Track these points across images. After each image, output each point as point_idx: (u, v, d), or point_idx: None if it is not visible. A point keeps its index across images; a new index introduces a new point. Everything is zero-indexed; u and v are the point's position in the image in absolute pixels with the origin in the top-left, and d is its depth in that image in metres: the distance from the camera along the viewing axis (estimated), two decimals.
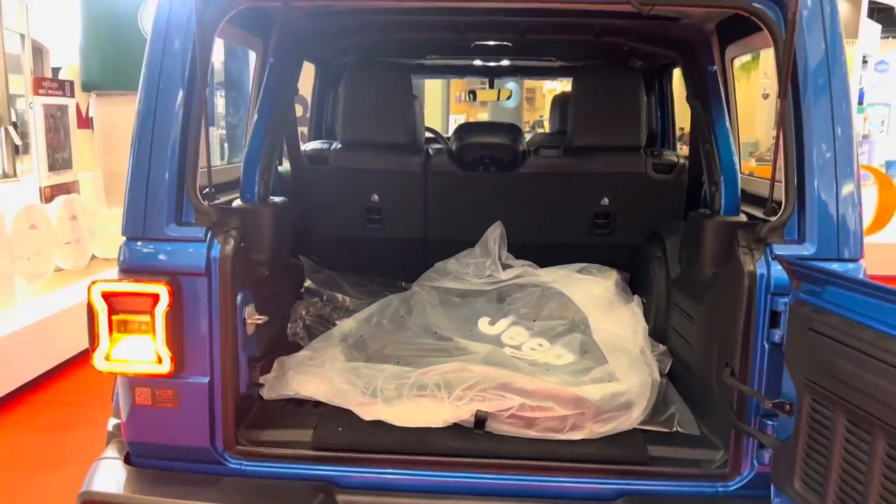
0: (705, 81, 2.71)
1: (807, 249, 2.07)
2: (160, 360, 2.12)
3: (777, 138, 2.08)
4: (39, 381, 5.14)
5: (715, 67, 2.75)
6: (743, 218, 2.44)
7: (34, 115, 8.36)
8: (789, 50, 1.97)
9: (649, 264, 2.98)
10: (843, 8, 20.08)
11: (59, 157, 8.96)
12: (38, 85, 8.60)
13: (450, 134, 3.63)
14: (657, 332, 2.86)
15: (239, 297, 2.23)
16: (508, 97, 5.93)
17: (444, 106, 19.18)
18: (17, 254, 5.50)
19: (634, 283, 3.16)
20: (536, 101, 21.33)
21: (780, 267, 2.01)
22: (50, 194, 8.02)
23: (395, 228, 3.32)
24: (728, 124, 2.61)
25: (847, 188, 2.07)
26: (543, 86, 19.27)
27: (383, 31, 2.94)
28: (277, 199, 2.76)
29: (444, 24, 2.91)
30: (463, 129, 3.37)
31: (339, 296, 3.21)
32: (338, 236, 3.37)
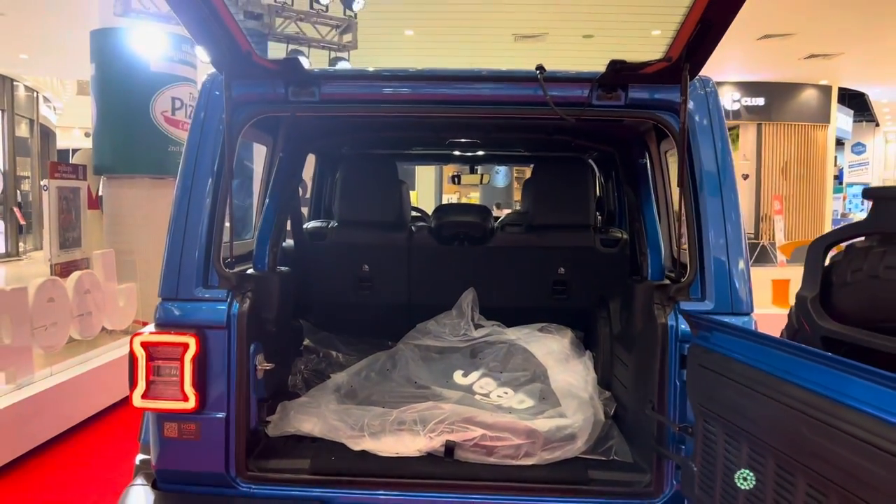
0: (636, 172, 3.31)
1: (707, 306, 2.59)
2: (187, 399, 2.60)
3: (680, 219, 2.64)
4: (52, 442, 5.52)
5: (644, 160, 3.35)
6: (665, 282, 2.98)
7: (49, 198, 8.91)
8: (682, 150, 2.56)
9: (597, 323, 3.50)
10: (814, 95, 21.21)
11: (69, 236, 9.46)
12: (55, 169, 9.22)
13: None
14: (604, 381, 3.36)
15: (252, 348, 2.72)
16: (487, 181, 6.60)
17: (437, 187, 20.21)
18: (37, 324, 5.97)
19: (587, 340, 3.67)
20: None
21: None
22: (59, 271, 8.53)
23: (383, 294, 3.86)
24: (654, 207, 3.19)
25: (739, 260, 2.61)
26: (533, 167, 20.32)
27: (373, 130, 3.57)
28: (283, 269, 3.30)
29: (423, 125, 3.54)
30: (441, 210, 3.97)
31: (334, 353, 3.71)
32: (333, 301, 3.90)
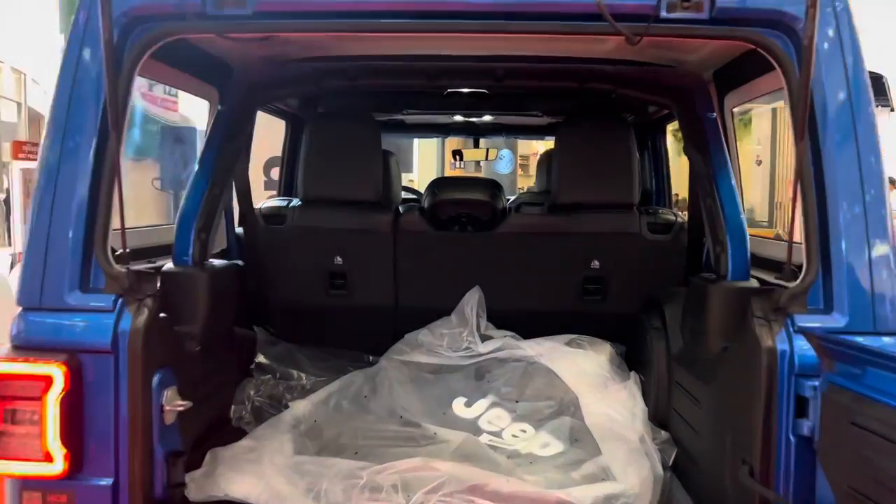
0: (704, 130, 2.41)
1: (836, 321, 1.72)
2: (51, 458, 1.73)
3: (794, 191, 1.75)
4: None
5: (714, 115, 2.46)
6: (754, 283, 2.10)
7: (11, 180, 8.16)
8: (806, 86, 1.67)
9: (647, 336, 2.61)
10: None
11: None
12: (18, 149, 8.40)
13: None
14: (658, 416, 2.47)
15: (155, 379, 1.85)
16: (495, 157, 5.67)
17: (439, 169, 19.13)
18: None
19: (631, 358, 2.78)
20: (531, 168, 21.31)
21: (805, 343, 1.65)
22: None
23: (361, 295, 2.96)
24: (732, 177, 2.30)
25: (880, 248, 1.73)
26: (538, 152, 19.34)
27: (346, 78, 2.66)
28: (219, 262, 2.41)
29: (413, 70, 2.64)
30: (436, 185, 3.06)
31: (295, 372, 2.82)
32: (297, 304, 3.01)
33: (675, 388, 2.37)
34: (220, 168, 2.40)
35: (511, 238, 2.89)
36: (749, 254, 2.15)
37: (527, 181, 19.83)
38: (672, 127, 4.06)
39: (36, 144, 8.95)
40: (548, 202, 2.91)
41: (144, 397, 1.81)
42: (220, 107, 2.55)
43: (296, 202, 2.95)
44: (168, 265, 2.25)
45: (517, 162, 18.16)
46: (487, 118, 4.07)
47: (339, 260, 2.91)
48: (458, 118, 4.12)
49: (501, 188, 3.03)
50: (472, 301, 2.86)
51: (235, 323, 2.90)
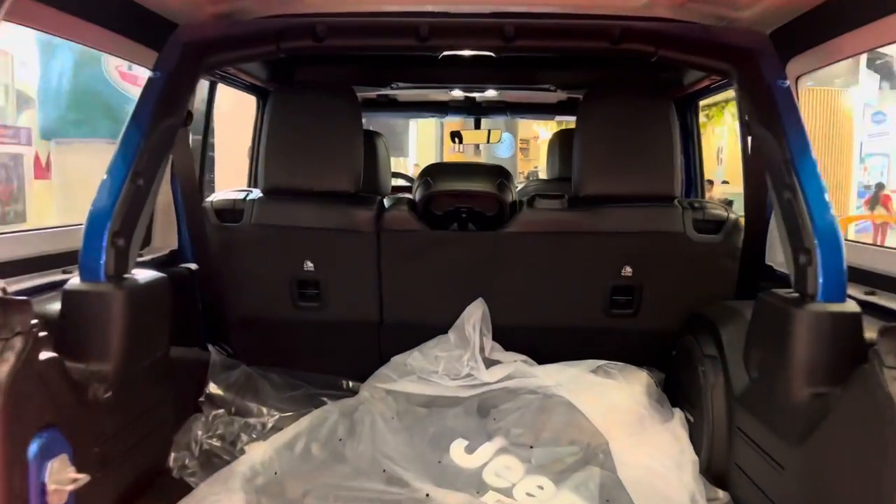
0: (776, 102, 1.85)
1: None
2: None
3: None
4: None
5: (787, 82, 1.90)
6: (852, 306, 1.56)
7: None
8: None
9: (695, 364, 2.06)
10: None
11: (10, 210, 8.33)
12: None
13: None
14: (713, 470, 1.93)
15: (32, 449, 1.31)
16: (499, 139, 5.08)
17: (438, 155, 18.43)
18: None
19: (672, 390, 2.24)
20: (531, 152, 20.62)
21: None
22: None
23: (336, 308, 2.41)
24: (816, 164, 1.75)
25: None
26: (539, 136, 18.63)
27: (314, 36, 2.08)
28: (145, 274, 1.86)
29: (398, 28, 2.07)
30: (430, 172, 2.48)
31: (255, 406, 2.28)
32: (258, 318, 2.46)
33: (739, 438, 1.83)
34: (147, 151, 1.84)
35: (523, 239, 2.33)
36: (845, 266, 1.61)
37: (526, 165, 19.21)
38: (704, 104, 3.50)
39: (10, 128, 8.40)
40: (568, 194, 2.35)
41: (12, 476, 1.27)
42: (152, 73, 1.98)
43: (255, 194, 2.38)
44: (73, 281, 1.70)
45: (518, 146, 17.56)
46: (491, 93, 3.50)
47: (309, 265, 2.35)
48: (457, 93, 3.55)
49: (510, 176, 2.46)
50: (475, 316, 2.31)
51: (186, 341, 2.36)
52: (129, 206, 1.77)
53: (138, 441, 1.83)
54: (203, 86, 2.78)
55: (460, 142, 4.97)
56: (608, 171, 2.26)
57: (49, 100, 8.72)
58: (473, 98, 3.84)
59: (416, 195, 2.42)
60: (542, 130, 18.27)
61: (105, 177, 1.80)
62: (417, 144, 16.49)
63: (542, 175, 6.84)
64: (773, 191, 1.81)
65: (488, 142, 4.99)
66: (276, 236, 2.35)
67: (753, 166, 2.18)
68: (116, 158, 1.81)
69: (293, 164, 2.31)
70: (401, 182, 4.62)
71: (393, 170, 3.91)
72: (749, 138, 2.43)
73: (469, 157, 17.04)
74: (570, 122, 5.26)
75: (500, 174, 2.45)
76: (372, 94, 3.73)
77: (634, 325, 2.36)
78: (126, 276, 1.76)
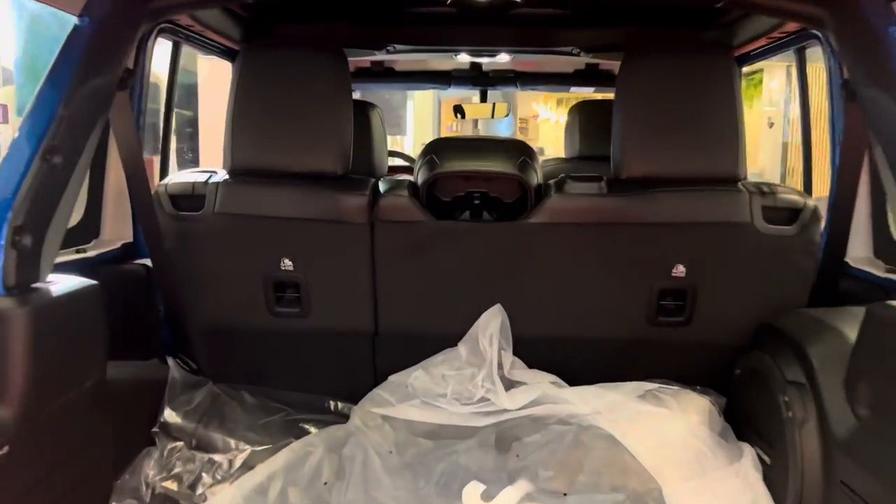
0: (888, 54, 1.41)
1: None
2: None
3: None
4: None
5: (893, 28, 1.46)
6: None
7: None
8: None
9: (773, 390, 1.63)
10: None
11: None
12: None
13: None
14: None
15: None
16: (505, 114, 4.62)
17: (435, 134, 17.87)
18: None
19: (736, 417, 1.81)
20: (530, 131, 20.00)
21: None
22: None
23: (322, 314, 1.97)
24: None
25: None
26: (538, 114, 18.05)
27: None
28: (65, 282, 1.42)
29: None
30: (436, 149, 2.02)
31: (220, 437, 1.85)
32: (227, 327, 2.02)
33: (842, 495, 1.41)
34: (67, 119, 1.39)
35: (551, 231, 1.88)
36: None
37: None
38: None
39: None
40: (607, 176, 1.90)
41: None
42: (78, 20, 1.52)
43: (220, 176, 1.93)
44: None
45: (517, 125, 17.05)
46: (503, 58, 3.04)
47: (287, 263, 1.91)
48: (463, 59, 3.09)
49: (534, 153, 2.01)
50: (492, 326, 1.88)
51: (140, 354, 1.94)
52: (40, 192, 1.33)
53: (61, 496, 1.41)
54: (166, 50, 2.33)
55: (462, 117, 4.50)
56: (657, 148, 1.82)
57: (28, 76, 8.23)
58: (480, 66, 3.39)
59: (419, 177, 1.97)
60: (542, 109, 17.74)
61: (7, 152, 1.36)
62: (416, 126, 15.87)
63: (548, 156, 6.34)
64: (888, 169, 1.38)
65: (492, 117, 4.52)
66: (246, 228, 1.91)
67: (845, 139, 1.74)
68: (24, 129, 1.37)
69: (267, 138, 1.86)
70: (399, 162, 4.17)
71: (390, 148, 3.47)
72: (834, 107, 1.99)
73: (468, 133, 16.50)
74: (580, 95, 4.78)
75: (522, 150, 1.99)
76: (365, 60, 3.27)
77: (686, 335, 1.93)
78: (36, 286, 1.33)
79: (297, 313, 1.97)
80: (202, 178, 1.93)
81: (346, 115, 1.90)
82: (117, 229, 2.16)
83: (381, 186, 1.95)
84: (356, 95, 3.54)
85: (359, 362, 2.02)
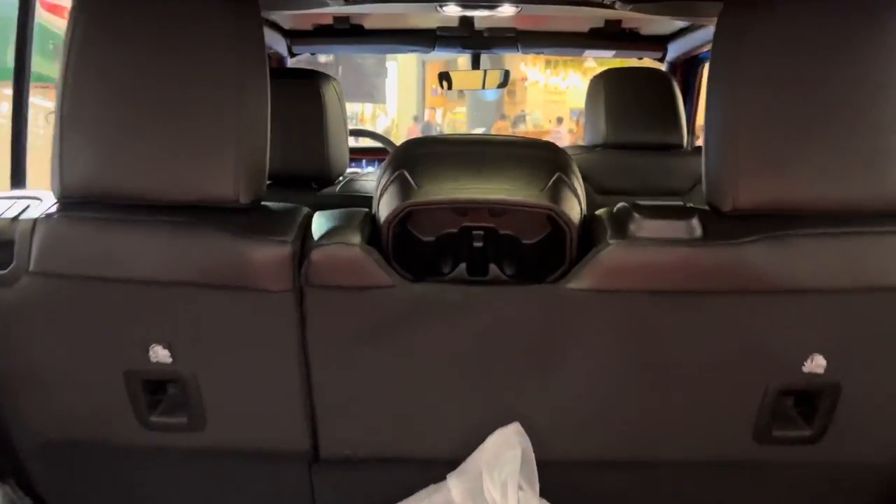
0: None
1: None
2: None
3: None
4: None
5: None
6: None
7: None
8: None
9: None
10: None
11: None
12: None
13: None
14: None
15: None
16: (499, 83, 3.80)
17: (419, 99, 16.70)
18: None
19: None
20: (517, 94, 18.93)
21: None
22: None
23: (224, 426, 1.21)
24: None
25: None
26: (527, 77, 17.04)
27: None
28: None
29: None
30: (408, 161, 1.18)
31: None
32: (78, 443, 1.26)
33: None
34: None
35: (606, 302, 1.11)
36: None
37: (512, 108, 17.59)
38: None
39: None
40: (695, 199, 1.14)
41: None
42: None
43: (44, 205, 1.14)
44: None
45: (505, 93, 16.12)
46: (507, 9, 2.22)
47: (160, 353, 1.14)
48: (452, 10, 2.26)
49: (572, 166, 1.21)
50: (505, 462, 1.12)
51: None
52: None
53: None
54: None
55: (449, 87, 3.68)
56: (797, 160, 1.05)
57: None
58: (472, 22, 2.61)
59: (382, 206, 1.18)
60: (531, 71, 16.82)
61: None
62: (399, 96, 14.75)
63: (532, 123, 5.45)
64: None
65: (483, 87, 3.71)
66: (87, 297, 1.13)
67: None
68: None
69: (122, 142, 1.08)
70: (368, 143, 3.39)
71: (357, 127, 2.69)
72: None
73: (453, 101, 15.49)
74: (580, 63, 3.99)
75: (553, 162, 1.20)
76: (325, 14, 2.47)
77: (816, 455, 1.20)
78: None
79: (183, 424, 1.21)
80: (11, 210, 1.14)
81: (258, 101, 1.11)
82: None
83: (319, 223, 1.16)
84: (321, 61, 2.76)
85: (288, 499, 1.26)
